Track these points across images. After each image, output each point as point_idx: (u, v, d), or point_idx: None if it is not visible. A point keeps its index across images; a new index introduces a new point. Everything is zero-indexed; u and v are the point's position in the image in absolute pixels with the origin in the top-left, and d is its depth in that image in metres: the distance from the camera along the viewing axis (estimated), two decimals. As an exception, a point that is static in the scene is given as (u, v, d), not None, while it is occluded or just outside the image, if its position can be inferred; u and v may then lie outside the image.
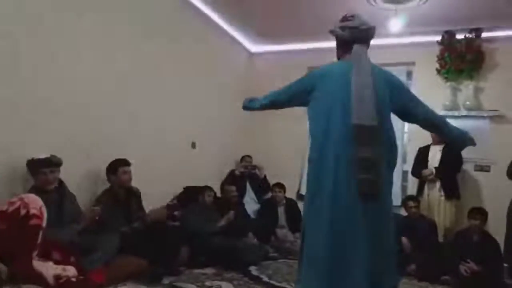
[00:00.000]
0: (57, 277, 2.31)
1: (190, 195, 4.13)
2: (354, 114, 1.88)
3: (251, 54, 6.16)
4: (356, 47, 2.03)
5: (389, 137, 2.01)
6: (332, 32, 2.16)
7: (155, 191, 3.86)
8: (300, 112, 5.76)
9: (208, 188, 4.22)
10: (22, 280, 2.15)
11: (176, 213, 3.80)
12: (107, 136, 3.54)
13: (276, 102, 2.32)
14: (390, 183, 2.06)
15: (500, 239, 3.92)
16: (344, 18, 2.14)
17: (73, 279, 2.40)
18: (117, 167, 3.33)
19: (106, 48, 3.54)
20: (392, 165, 2.05)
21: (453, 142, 2.28)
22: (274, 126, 5.84)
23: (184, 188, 4.27)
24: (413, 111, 2.11)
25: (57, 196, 2.83)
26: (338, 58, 2.19)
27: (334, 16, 4.81)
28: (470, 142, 2.21)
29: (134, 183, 3.51)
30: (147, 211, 3.50)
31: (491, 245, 3.86)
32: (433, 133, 4.61)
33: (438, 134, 2.70)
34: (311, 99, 2.08)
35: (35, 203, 2.39)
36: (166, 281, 3.03)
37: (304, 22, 5.20)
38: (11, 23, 2.78)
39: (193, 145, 4.77)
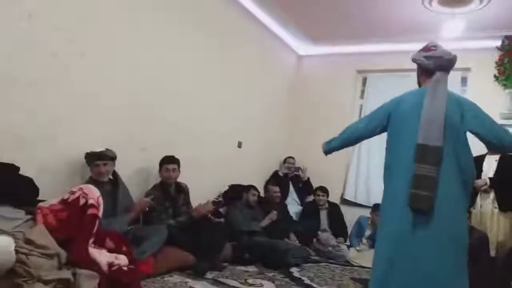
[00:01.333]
0: (110, 265, 2.42)
1: (235, 193, 4.21)
2: (420, 135, 2.02)
3: (300, 57, 6.16)
4: (438, 74, 2.15)
5: (458, 157, 2.05)
6: (415, 61, 2.27)
7: (202, 187, 3.97)
8: (346, 116, 5.76)
9: (252, 187, 4.28)
10: (79, 265, 2.28)
11: (221, 209, 3.88)
12: (161, 134, 3.69)
13: (356, 131, 2.40)
14: (461, 203, 2.07)
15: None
16: (427, 48, 2.25)
17: (124, 268, 2.51)
18: (162, 163, 3.47)
19: (158, 48, 3.68)
20: (467, 185, 2.08)
21: None
22: (319, 128, 5.80)
23: (229, 186, 4.35)
24: (483, 134, 2.10)
25: (111, 188, 3.00)
26: (419, 85, 2.32)
27: (385, 19, 4.85)
28: None
29: (183, 179, 3.63)
30: (194, 206, 3.60)
31: (549, 263, 3.64)
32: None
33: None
34: (391, 124, 2.22)
35: (93, 193, 2.53)
36: (209, 275, 3.11)
37: (354, 25, 5.15)
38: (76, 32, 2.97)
39: (239, 145, 4.85)
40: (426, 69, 2.21)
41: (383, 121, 2.24)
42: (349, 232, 4.95)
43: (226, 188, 4.36)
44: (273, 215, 4.07)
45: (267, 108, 5.39)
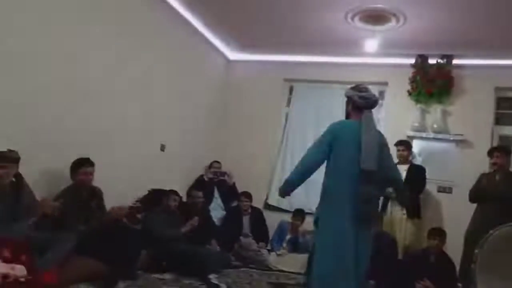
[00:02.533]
0: (4, 276, 2.22)
1: (155, 198, 4.06)
2: (363, 161, 2.52)
3: (230, 61, 6.16)
4: (366, 112, 2.68)
5: (386, 177, 2.74)
6: (350, 98, 2.76)
7: (120, 192, 3.79)
8: (272, 123, 5.86)
9: (173, 192, 4.17)
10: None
11: (138, 215, 3.74)
12: (72, 134, 3.46)
13: (313, 164, 2.66)
14: (376, 211, 2.81)
15: (457, 259, 4.03)
16: (358, 89, 2.75)
17: (22, 279, 2.31)
18: (79, 166, 3.26)
19: (75, 46, 3.48)
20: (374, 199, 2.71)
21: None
22: (245, 134, 5.85)
23: (149, 191, 4.20)
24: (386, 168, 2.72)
25: (12, 191, 2.74)
26: (347, 116, 2.81)
27: (311, 31, 5.01)
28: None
29: (97, 183, 3.44)
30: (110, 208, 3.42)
31: (447, 265, 3.97)
32: (399, 152, 4.74)
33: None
34: (332, 145, 2.65)
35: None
36: (121, 285, 2.97)
37: (282, 34, 5.26)
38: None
39: (162, 148, 4.71)
40: (357, 106, 2.71)
41: (327, 149, 2.64)
42: (271, 237, 5.02)
43: (146, 193, 4.20)
44: (194, 221, 4.00)
45: (193, 111, 5.30)
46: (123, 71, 4.05)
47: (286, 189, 2.70)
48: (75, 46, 3.50)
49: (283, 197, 2.81)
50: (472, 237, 3.74)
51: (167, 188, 4.25)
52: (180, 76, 4.99)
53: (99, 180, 3.43)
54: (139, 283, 3.11)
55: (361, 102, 2.70)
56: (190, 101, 5.22)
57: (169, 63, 4.76)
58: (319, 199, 2.71)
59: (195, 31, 5.20)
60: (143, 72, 4.32)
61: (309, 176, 2.65)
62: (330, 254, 2.52)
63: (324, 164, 2.67)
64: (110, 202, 3.50)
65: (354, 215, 2.52)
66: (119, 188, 3.81)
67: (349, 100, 2.78)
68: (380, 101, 5.46)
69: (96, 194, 3.40)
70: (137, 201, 3.87)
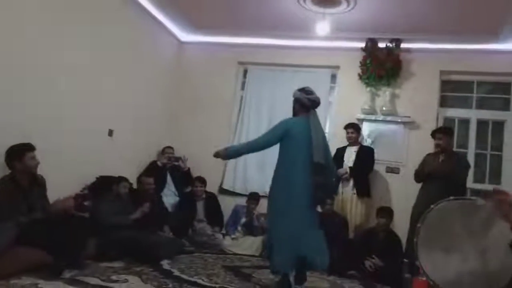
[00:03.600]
0: None
1: (103, 185, 3.92)
2: (315, 156, 2.97)
3: (182, 43, 6.00)
4: (312, 112, 3.16)
5: (330, 169, 3.22)
6: (298, 99, 3.19)
7: (65, 179, 3.63)
8: (226, 106, 5.80)
9: (123, 178, 4.05)
10: None
11: (86, 203, 3.60)
12: (12, 120, 3.26)
13: (264, 147, 3.17)
14: None
15: (404, 236, 4.21)
16: (305, 91, 3.19)
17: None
18: (23, 152, 3.07)
19: (13, 23, 3.26)
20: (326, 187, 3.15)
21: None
22: (199, 118, 5.76)
23: (97, 178, 4.05)
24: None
25: None
26: (295, 114, 3.23)
27: (264, 13, 4.97)
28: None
29: (43, 171, 3.27)
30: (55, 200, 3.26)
31: (395, 242, 4.14)
32: (348, 135, 4.86)
33: None
34: (283, 140, 3.09)
35: None
36: (67, 274, 2.85)
37: (236, 16, 5.19)
38: None
39: (110, 133, 4.53)
40: (305, 106, 3.15)
41: (278, 141, 3.11)
42: (226, 221, 5.02)
43: (94, 180, 4.04)
44: (145, 207, 3.91)
45: (143, 95, 5.14)
46: (69, 55, 3.85)
47: (230, 155, 3.27)
48: (18, 31, 3.29)
49: (221, 158, 3.24)
50: (417, 214, 3.90)
51: (117, 175, 4.12)
52: (130, 59, 4.81)
53: (44, 167, 3.26)
54: (87, 272, 3.00)
55: (308, 103, 3.15)
56: (140, 85, 5.05)
57: (118, 46, 4.57)
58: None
59: (145, 11, 5.01)
60: (90, 55, 4.13)
61: (251, 152, 3.33)
62: (286, 234, 2.94)
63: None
64: (55, 190, 3.33)
65: (307, 200, 2.98)
66: (65, 176, 3.65)
67: (297, 101, 3.21)
68: (331, 84, 5.62)
69: (38, 182, 3.22)
70: (84, 188, 3.72)
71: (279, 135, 3.09)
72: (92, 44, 4.16)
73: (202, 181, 4.97)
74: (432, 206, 1.92)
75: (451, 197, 2.00)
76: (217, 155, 3.14)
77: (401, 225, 4.44)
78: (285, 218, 2.99)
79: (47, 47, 3.63)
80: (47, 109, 3.63)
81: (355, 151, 4.78)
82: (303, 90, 3.21)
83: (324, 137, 3.21)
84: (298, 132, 3.06)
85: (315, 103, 3.18)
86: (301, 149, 3.02)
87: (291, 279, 2.96)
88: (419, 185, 4.33)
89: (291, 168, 3.03)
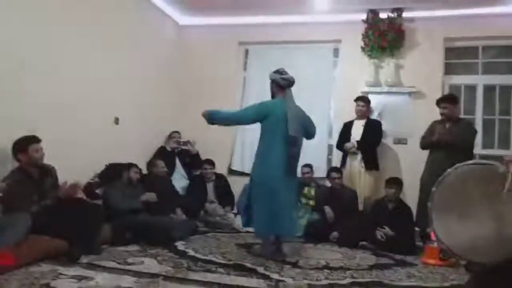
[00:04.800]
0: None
1: (114, 173, 3.98)
2: (290, 130, 3.31)
3: (180, 27, 5.96)
4: (288, 90, 3.49)
5: (301, 142, 3.54)
6: (274, 80, 3.49)
7: (75, 169, 3.67)
8: (230, 88, 5.79)
9: (133, 165, 4.10)
10: None
11: (97, 190, 3.66)
12: (19, 110, 3.30)
13: (240, 118, 3.62)
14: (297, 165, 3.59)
15: (414, 206, 4.22)
16: (280, 72, 3.49)
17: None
18: (27, 144, 3.11)
19: (17, 16, 3.27)
20: (298, 155, 3.54)
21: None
22: (203, 102, 5.74)
23: (106, 166, 4.11)
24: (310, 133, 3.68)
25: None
26: (273, 95, 3.54)
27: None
28: None
29: (51, 161, 3.32)
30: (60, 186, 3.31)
31: (405, 212, 4.16)
32: (358, 107, 4.84)
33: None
34: (263, 122, 3.43)
35: None
36: (84, 260, 2.93)
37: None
38: None
39: (116, 121, 4.57)
40: (280, 86, 3.47)
41: (260, 119, 3.43)
42: (236, 201, 5.07)
43: (103, 168, 4.10)
44: (151, 196, 3.98)
45: (146, 81, 5.14)
46: (70, 44, 3.86)
47: (211, 118, 3.49)
48: (20, 19, 3.30)
49: (206, 120, 3.51)
50: (426, 183, 3.92)
51: (125, 162, 4.17)
52: (130, 46, 4.80)
53: (52, 157, 3.31)
54: (104, 256, 3.08)
55: (284, 83, 3.46)
56: (142, 71, 5.05)
57: (118, 33, 4.56)
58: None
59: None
60: (91, 43, 4.13)
61: (228, 124, 3.90)
62: (269, 197, 3.29)
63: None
64: (67, 179, 3.38)
65: (285, 168, 3.33)
66: (75, 165, 3.69)
67: (273, 81, 3.50)
68: (334, 59, 5.57)
69: (49, 173, 3.28)
70: (94, 176, 3.78)
71: (259, 113, 3.41)
72: (92, 31, 4.15)
73: (211, 163, 5.01)
74: (449, 170, 1.88)
75: (470, 162, 1.96)
76: (203, 115, 3.51)
77: (411, 195, 4.45)
78: (264, 188, 3.32)
79: (49, 36, 3.63)
80: (51, 100, 3.66)
81: (362, 125, 4.77)
82: (277, 71, 3.50)
83: (299, 113, 3.49)
84: (276, 113, 3.37)
85: (290, 82, 3.48)
86: (279, 126, 3.34)
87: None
88: (428, 154, 4.32)
89: (269, 143, 3.37)
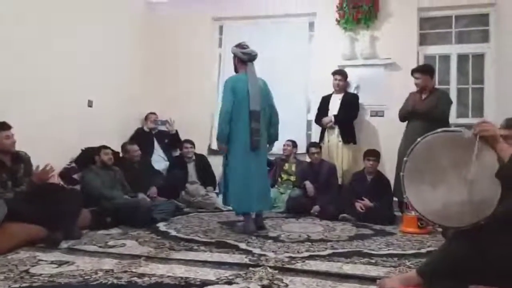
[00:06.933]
0: None
1: (88, 157, 3.91)
2: (251, 104, 3.36)
3: (151, 3, 5.77)
4: (249, 65, 3.49)
5: (267, 116, 3.57)
6: (235, 54, 3.50)
7: (51, 154, 3.60)
8: (205, 67, 5.71)
9: (103, 147, 4.01)
10: None
11: (75, 175, 3.59)
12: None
13: (228, 111, 3.42)
14: (265, 140, 3.60)
15: (392, 177, 4.29)
16: (241, 46, 3.50)
17: None
18: None
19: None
20: (265, 130, 3.56)
21: (269, 136, 3.64)
22: (179, 82, 5.68)
23: (82, 150, 4.03)
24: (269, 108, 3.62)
25: None
26: (236, 70, 3.56)
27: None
28: (270, 148, 3.74)
29: (24, 148, 3.23)
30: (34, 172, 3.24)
31: (383, 183, 4.24)
32: (336, 82, 4.84)
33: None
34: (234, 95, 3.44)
35: None
36: (64, 245, 2.89)
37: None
38: None
39: (90, 104, 4.46)
40: (242, 60, 3.48)
41: (232, 101, 3.40)
42: (217, 180, 5.07)
43: (79, 152, 4.02)
44: (153, 192, 4.06)
45: (119, 62, 5.01)
46: (38, 27, 3.74)
47: (223, 140, 3.44)
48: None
49: (223, 150, 3.51)
50: (403, 154, 3.97)
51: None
52: (99, 26, 4.65)
53: (26, 144, 3.22)
54: (84, 241, 3.04)
55: (244, 57, 3.46)
56: (113, 51, 4.92)
57: (86, 13, 4.41)
58: None
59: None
60: (59, 23, 4.00)
61: (227, 124, 3.46)
62: (240, 173, 3.39)
63: None
64: (42, 165, 3.31)
65: (250, 144, 3.37)
66: (49, 151, 3.61)
67: (235, 56, 3.51)
68: (310, 33, 5.53)
69: (22, 159, 3.19)
70: (71, 162, 3.70)
71: (230, 94, 3.41)
72: (62, 11, 4.02)
73: (190, 142, 4.98)
74: (418, 139, 1.92)
75: (439, 130, 2.00)
76: (220, 149, 3.57)
77: (389, 167, 4.52)
78: (234, 163, 3.43)
79: (15, 20, 3.49)
80: (22, 85, 3.54)
81: (339, 99, 4.78)
82: (239, 45, 3.52)
83: (261, 87, 3.49)
84: (239, 88, 3.41)
85: (251, 56, 3.49)
86: (243, 100, 3.38)
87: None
88: (405, 126, 4.37)
89: (236, 118, 3.40)
